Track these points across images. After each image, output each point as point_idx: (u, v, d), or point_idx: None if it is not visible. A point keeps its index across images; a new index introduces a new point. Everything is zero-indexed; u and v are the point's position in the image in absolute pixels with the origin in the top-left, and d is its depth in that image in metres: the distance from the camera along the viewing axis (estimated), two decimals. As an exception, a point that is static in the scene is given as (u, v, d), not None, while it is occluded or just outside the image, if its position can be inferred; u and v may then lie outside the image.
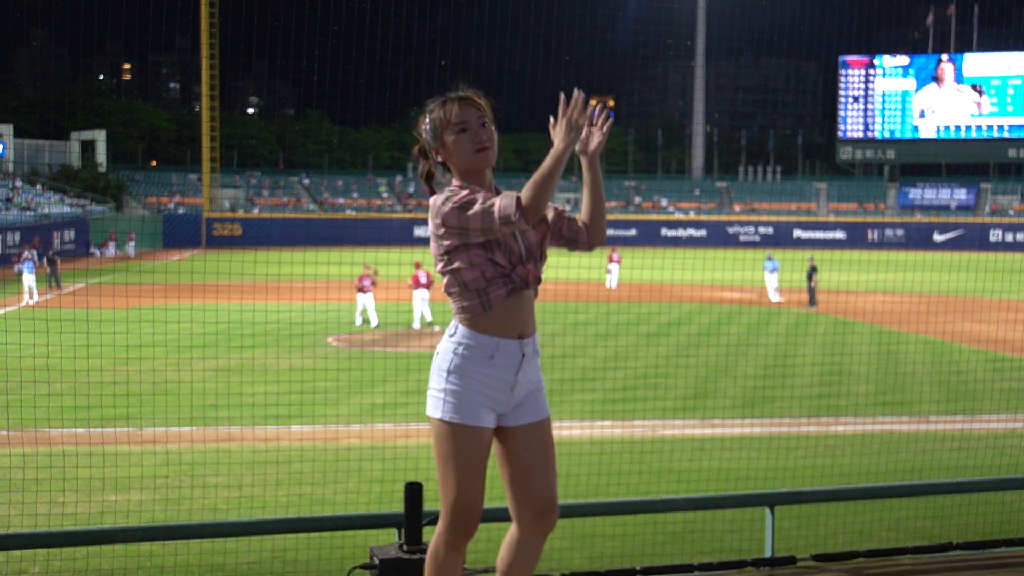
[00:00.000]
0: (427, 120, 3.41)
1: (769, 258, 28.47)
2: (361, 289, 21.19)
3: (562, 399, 12.89)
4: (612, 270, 32.99)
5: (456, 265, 3.31)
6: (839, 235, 65.54)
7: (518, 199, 3.17)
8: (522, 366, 3.38)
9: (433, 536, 3.50)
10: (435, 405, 3.36)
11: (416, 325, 21.34)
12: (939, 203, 70.54)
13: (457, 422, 3.34)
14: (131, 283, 27.00)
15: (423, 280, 21.31)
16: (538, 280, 3.43)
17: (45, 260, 29.85)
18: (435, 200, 3.32)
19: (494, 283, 3.33)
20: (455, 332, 3.37)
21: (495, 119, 3.46)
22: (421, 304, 21.39)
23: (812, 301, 25.88)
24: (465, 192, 3.27)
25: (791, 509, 6.70)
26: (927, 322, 18.48)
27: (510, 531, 3.54)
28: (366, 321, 21.43)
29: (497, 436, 3.46)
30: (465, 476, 3.38)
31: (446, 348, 3.37)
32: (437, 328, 21.11)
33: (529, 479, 3.45)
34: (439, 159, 3.42)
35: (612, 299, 25.54)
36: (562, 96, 3.27)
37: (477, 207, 3.21)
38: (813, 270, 26.10)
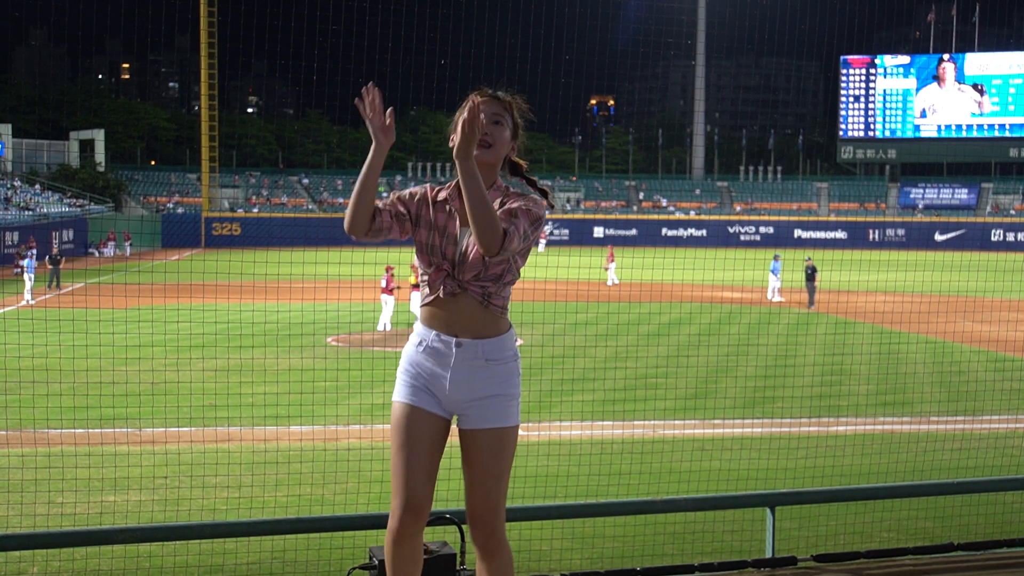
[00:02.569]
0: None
1: (776, 258, 28.47)
2: (389, 291, 21.09)
3: (562, 399, 12.87)
4: (610, 268, 33.12)
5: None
6: (840, 235, 65.56)
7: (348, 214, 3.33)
8: (454, 364, 3.35)
9: None
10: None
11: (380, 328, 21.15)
12: (940, 203, 70.51)
13: (397, 400, 3.42)
14: (130, 283, 26.98)
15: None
16: (465, 291, 3.34)
17: (47, 259, 29.87)
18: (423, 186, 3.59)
19: (424, 280, 3.45)
20: (415, 326, 3.52)
21: (515, 127, 3.48)
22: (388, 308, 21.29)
23: (811, 301, 25.88)
24: (410, 189, 3.51)
25: (792, 509, 6.68)
26: (928, 322, 18.46)
27: None
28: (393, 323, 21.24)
29: (460, 439, 3.48)
30: (400, 457, 3.36)
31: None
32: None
33: (466, 485, 3.42)
34: (451, 144, 3.44)
35: (612, 299, 25.53)
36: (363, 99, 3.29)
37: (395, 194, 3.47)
38: (813, 271, 26.10)
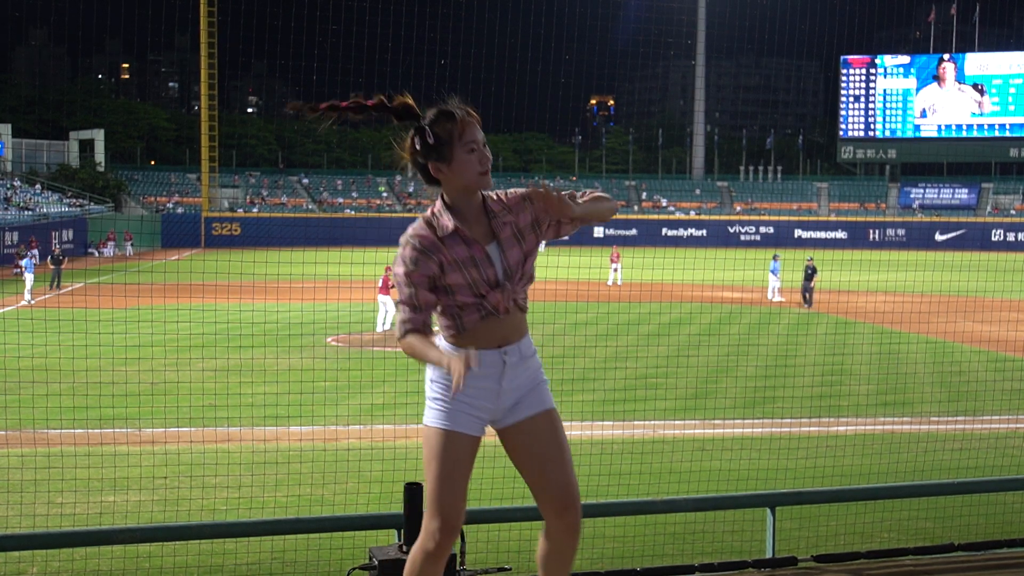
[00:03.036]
0: (429, 133, 3.33)
1: (775, 258, 28.46)
2: (386, 291, 21.14)
3: (562, 399, 12.82)
4: (615, 268, 33.14)
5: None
6: (840, 235, 65.55)
7: (404, 334, 3.35)
8: (505, 373, 3.38)
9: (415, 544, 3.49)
10: (425, 411, 3.44)
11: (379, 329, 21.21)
12: (940, 203, 70.50)
13: (437, 426, 3.39)
14: (130, 283, 26.97)
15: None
16: (515, 304, 3.40)
17: (50, 259, 29.88)
18: (403, 238, 3.38)
19: (467, 310, 3.36)
20: (439, 343, 3.44)
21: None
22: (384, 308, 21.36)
23: (808, 301, 25.85)
24: (401, 269, 3.35)
25: (792, 510, 6.68)
26: (928, 322, 18.45)
27: (541, 532, 3.53)
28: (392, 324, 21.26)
29: (502, 439, 3.48)
30: (442, 481, 3.37)
31: None
32: (436, 328, 21.05)
33: (545, 469, 3.43)
34: (433, 173, 3.36)
35: (613, 299, 25.52)
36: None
37: (401, 292, 3.38)
38: (813, 271, 26.07)
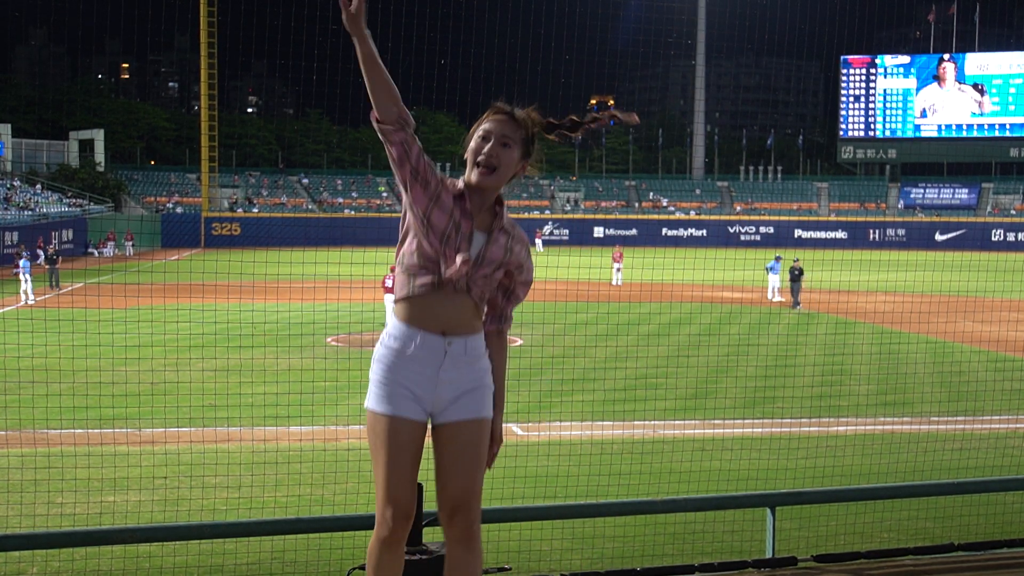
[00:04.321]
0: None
1: (777, 259, 28.42)
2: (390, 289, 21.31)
3: (562, 399, 12.87)
4: (618, 268, 33.13)
5: (404, 245, 3.38)
6: (840, 235, 65.56)
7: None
8: (445, 363, 3.33)
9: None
10: (367, 394, 3.40)
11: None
12: (940, 203, 70.50)
13: (377, 411, 3.36)
14: (129, 283, 26.97)
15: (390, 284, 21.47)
16: (467, 287, 3.33)
17: (44, 258, 29.83)
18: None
19: (422, 270, 3.33)
20: (388, 324, 3.43)
21: (529, 145, 3.42)
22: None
23: (796, 302, 25.75)
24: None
25: (792, 510, 6.68)
26: (928, 322, 18.45)
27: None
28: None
29: (431, 434, 3.45)
30: (386, 469, 3.34)
31: (379, 339, 3.43)
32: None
33: (444, 476, 3.38)
34: (464, 154, 3.42)
35: (613, 299, 25.52)
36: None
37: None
38: (800, 272, 25.94)
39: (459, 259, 3.29)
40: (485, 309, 3.46)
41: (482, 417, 3.41)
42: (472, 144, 3.36)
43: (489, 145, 3.32)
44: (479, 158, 3.32)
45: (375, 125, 3.26)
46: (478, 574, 3.45)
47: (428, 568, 4.18)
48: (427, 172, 3.30)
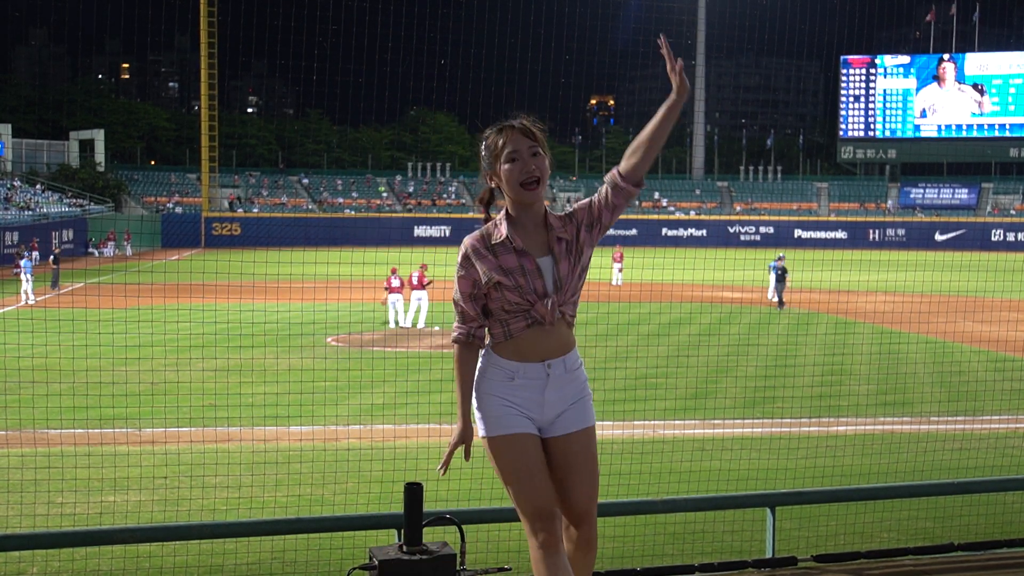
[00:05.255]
0: (484, 146, 3.46)
1: (779, 258, 28.38)
2: (392, 289, 21.48)
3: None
4: (619, 268, 33.11)
5: (489, 301, 3.47)
6: (840, 235, 65.56)
7: (453, 340, 3.48)
8: (549, 385, 3.45)
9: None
10: (479, 426, 3.52)
11: (392, 325, 21.49)
12: (940, 203, 70.50)
13: (493, 436, 3.47)
14: (130, 283, 26.97)
15: (395, 284, 21.61)
16: (562, 317, 3.46)
17: (51, 259, 29.88)
18: (464, 242, 3.47)
19: (514, 316, 3.42)
20: (485, 354, 3.52)
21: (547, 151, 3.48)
22: (393, 308, 21.62)
23: (780, 303, 25.63)
24: (461, 272, 3.44)
25: (792, 510, 6.67)
26: (928, 322, 18.45)
27: (564, 534, 3.60)
28: (402, 323, 21.52)
29: (544, 447, 3.55)
30: (520, 484, 3.45)
31: (478, 371, 3.53)
32: (436, 328, 21.10)
33: (565, 487, 3.51)
34: (492, 184, 3.48)
35: (613, 299, 25.52)
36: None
37: (456, 295, 3.47)
38: (784, 272, 25.81)
39: (548, 303, 3.38)
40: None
41: (588, 426, 3.54)
42: (505, 171, 3.38)
43: (523, 162, 3.36)
44: (522, 178, 3.36)
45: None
46: (591, 571, 3.60)
47: (428, 568, 4.17)
48: (486, 295, 3.45)
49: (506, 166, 3.37)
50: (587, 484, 3.50)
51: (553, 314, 3.40)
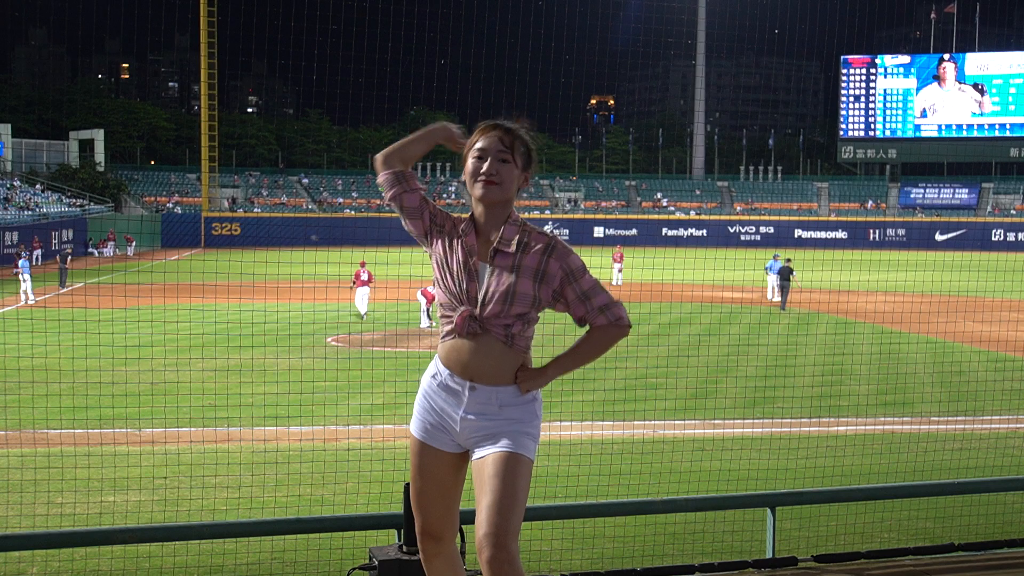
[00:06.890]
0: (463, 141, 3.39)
1: (775, 258, 28.38)
2: (359, 283, 21.94)
3: (562, 399, 12.86)
4: (619, 268, 33.11)
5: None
6: (840, 235, 65.54)
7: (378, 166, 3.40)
8: (466, 406, 3.22)
9: None
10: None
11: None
12: (940, 203, 70.49)
13: (410, 430, 3.39)
14: (130, 283, 26.97)
15: (363, 278, 22.15)
16: (484, 331, 3.18)
17: (59, 259, 29.91)
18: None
19: (445, 315, 3.29)
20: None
21: (526, 157, 3.33)
22: (361, 300, 22.18)
23: (783, 303, 25.61)
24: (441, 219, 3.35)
25: (792, 510, 6.68)
26: (928, 322, 18.46)
27: None
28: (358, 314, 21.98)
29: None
30: (413, 486, 3.37)
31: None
32: (436, 328, 21.13)
33: (478, 509, 3.19)
34: (462, 177, 3.36)
35: (612, 299, 25.49)
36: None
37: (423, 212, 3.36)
38: (790, 272, 25.77)
39: (464, 310, 3.19)
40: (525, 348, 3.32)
41: (510, 452, 3.21)
42: (469, 165, 3.26)
43: (487, 163, 3.22)
44: (479, 176, 3.22)
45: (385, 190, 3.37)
46: None
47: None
48: (429, 213, 3.34)
49: (470, 160, 3.26)
50: (493, 511, 3.10)
51: (464, 327, 3.18)
